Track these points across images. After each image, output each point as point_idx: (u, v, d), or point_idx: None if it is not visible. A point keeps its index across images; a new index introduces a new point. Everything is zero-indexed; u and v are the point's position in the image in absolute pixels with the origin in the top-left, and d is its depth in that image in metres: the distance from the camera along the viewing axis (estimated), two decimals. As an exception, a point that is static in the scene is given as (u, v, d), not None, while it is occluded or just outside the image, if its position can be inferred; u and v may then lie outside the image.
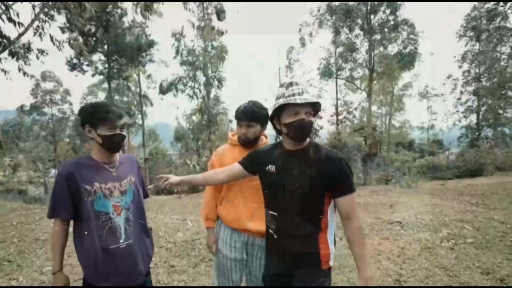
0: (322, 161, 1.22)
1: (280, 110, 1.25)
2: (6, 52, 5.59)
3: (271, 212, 1.34)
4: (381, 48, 18.52)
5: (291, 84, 1.25)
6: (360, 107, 24.96)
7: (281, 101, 1.23)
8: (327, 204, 1.26)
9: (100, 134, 1.29)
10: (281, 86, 1.29)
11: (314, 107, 1.26)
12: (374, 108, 25.18)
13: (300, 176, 1.22)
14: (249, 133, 1.59)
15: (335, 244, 1.32)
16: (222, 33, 19.73)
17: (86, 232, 1.26)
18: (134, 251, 1.34)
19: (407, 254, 3.25)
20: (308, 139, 1.31)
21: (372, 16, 17.93)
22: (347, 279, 2.73)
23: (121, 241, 1.30)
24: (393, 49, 18.35)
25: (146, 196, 1.56)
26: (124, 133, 1.35)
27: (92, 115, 1.28)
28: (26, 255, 3.47)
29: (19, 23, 5.60)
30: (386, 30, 17.58)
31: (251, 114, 1.57)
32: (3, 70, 5.80)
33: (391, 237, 3.79)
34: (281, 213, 1.29)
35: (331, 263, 1.27)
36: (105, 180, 1.30)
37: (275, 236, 1.31)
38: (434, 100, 28.04)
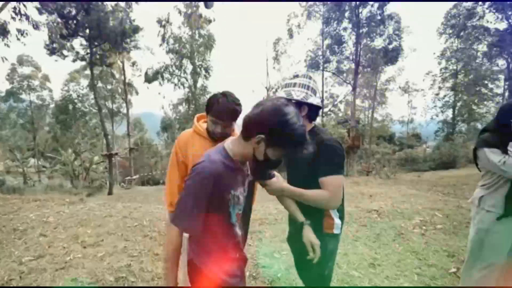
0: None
1: None
2: None
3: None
4: (368, 42, 18.86)
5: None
6: (345, 100, 25.39)
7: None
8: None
9: (269, 153, 0.96)
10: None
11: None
12: (358, 101, 25.72)
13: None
14: (228, 130, 1.44)
15: (342, 218, 1.45)
16: (210, 21, 19.26)
17: (211, 241, 1.07)
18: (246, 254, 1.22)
19: (382, 240, 3.46)
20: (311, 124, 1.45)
21: (360, 10, 18.14)
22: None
23: (241, 246, 1.15)
24: (379, 43, 18.86)
25: (266, 177, 1.27)
26: None
27: (284, 137, 0.93)
28: (4, 245, 3.37)
29: None
30: (373, 24, 17.89)
31: (236, 114, 1.40)
32: None
33: (368, 224, 4.00)
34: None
35: (335, 231, 1.41)
36: (238, 186, 1.06)
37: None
38: (415, 95, 28.93)
